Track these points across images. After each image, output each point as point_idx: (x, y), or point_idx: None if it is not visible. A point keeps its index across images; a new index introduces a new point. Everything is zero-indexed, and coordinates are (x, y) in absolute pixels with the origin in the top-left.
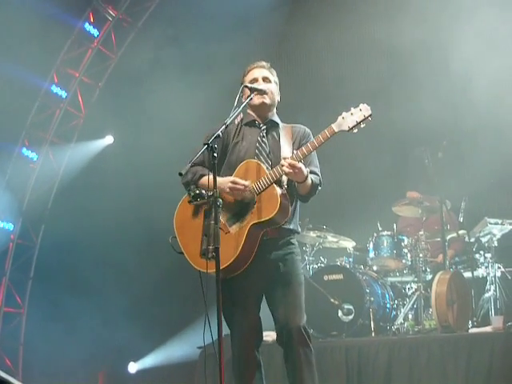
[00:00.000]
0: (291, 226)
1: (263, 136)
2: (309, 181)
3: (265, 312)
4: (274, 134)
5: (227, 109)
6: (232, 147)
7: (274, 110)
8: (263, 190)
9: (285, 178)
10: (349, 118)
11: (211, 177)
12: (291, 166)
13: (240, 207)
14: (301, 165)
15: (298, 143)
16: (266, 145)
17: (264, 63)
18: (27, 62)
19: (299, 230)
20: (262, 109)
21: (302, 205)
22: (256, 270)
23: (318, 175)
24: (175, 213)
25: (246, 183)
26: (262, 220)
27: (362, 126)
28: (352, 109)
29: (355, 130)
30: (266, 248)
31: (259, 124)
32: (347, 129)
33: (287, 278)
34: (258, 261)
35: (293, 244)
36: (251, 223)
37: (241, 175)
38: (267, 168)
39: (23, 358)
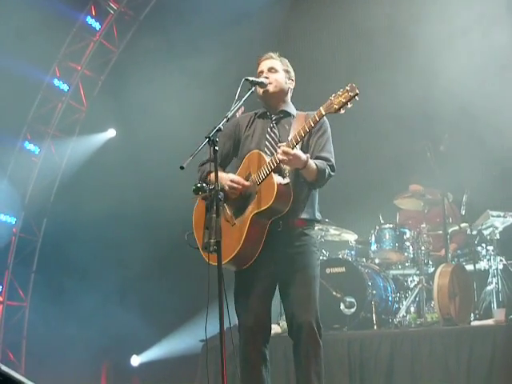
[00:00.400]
0: (305, 216)
1: (273, 126)
2: (311, 167)
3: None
4: (285, 123)
5: (229, 102)
6: (243, 140)
7: (286, 98)
8: (263, 180)
9: (287, 167)
10: (336, 100)
11: (221, 173)
12: (284, 152)
13: (244, 199)
14: (296, 151)
15: (309, 131)
16: (275, 135)
17: (272, 54)
18: (29, 56)
19: (317, 218)
20: (267, 99)
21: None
22: (269, 262)
23: (329, 161)
24: (194, 209)
25: (246, 183)
26: (261, 209)
27: (349, 106)
28: (340, 90)
29: (342, 111)
30: (279, 240)
31: (270, 115)
32: (334, 110)
33: (299, 272)
34: (270, 253)
35: (307, 235)
36: (253, 213)
37: (245, 167)
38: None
39: (26, 351)
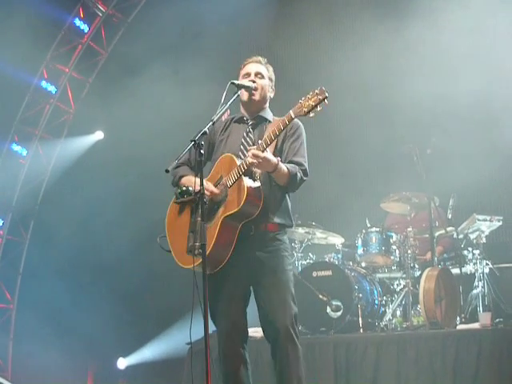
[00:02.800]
0: (277, 220)
1: (249, 131)
2: (282, 170)
3: (253, 307)
4: (262, 129)
5: (216, 105)
6: (218, 145)
7: (266, 105)
8: (234, 183)
9: (258, 170)
10: (306, 103)
11: (191, 177)
12: (254, 155)
13: (216, 202)
14: (266, 154)
15: (283, 135)
16: (251, 140)
17: (260, 58)
18: (17, 58)
19: (290, 223)
20: (250, 105)
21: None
22: (241, 265)
23: (302, 165)
24: (167, 212)
25: (215, 190)
26: (232, 212)
27: (319, 109)
28: (310, 93)
29: (311, 114)
30: (252, 244)
31: (247, 120)
32: (303, 113)
33: (272, 275)
34: (243, 257)
35: (279, 240)
36: (223, 216)
37: (217, 170)
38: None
39: (12, 353)
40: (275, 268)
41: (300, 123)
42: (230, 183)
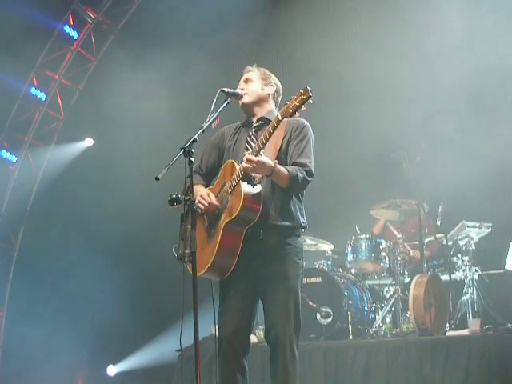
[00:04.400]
0: (286, 223)
1: (252, 134)
2: (281, 173)
3: None
4: (265, 130)
5: (208, 112)
6: (226, 151)
7: (267, 105)
8: (233, 189)
9: (257, 175)
10: (291, 104)
11: (199, 187)
12: (248, 160)
13: (220, 209)
14: (259, 158)
15: (288, 136)
16: (254, 143)
17: (250, 67)
18: (6, 65)
19: (300, 224)
20: (244, 108)
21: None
22: (249, 271)
23: (306, 166)
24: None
25: (214, 201)
26: (231, 218)
27: (303, 108)
28: (295, 94)
29: (297, 114)
30: (260, 249)
31: (251, 123)
32: (289, 114)
33: (278, 283)
34: (251, 262)
35: (289, 244)
36: (224, 222)
37: (222, 177)
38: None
39: (2, 360)
40: (283, 274)
41: (306, 123)
42: (230, 189)
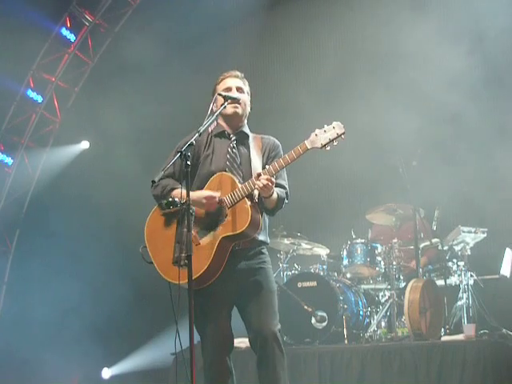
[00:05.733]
0: (262, 238)
1: (233, 147)
2: (275, 195)
3: (236, 319)
4: (244, 145)
5: (203, 116)
6: (203, 160)
7: (245, 121)
8: (235, 204)
9: (256, 192)
10: (322, 135)
11: (183, 189)
12: (270, 181)
13: (210, 220)
14: (273, 179)
15: (267, 155)
16: (236, 156)
17: (238, 73)
18: (3, 67)
19: (268, 241)
20: (233, 119)
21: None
22: (227, 279)
23: (285, 188)
24: (146, 222)
25: (218, 194)
26: (235, 233)
27: (335, 143)
28: (325, 126)
29: (328, 148)
30: (237, 258)
31: (229, 135)
32: (320, 146)
33: (260, 287)
34: (229, 271)
35: (264, 254)
36: (222, 236)
37: (214, 188)
38: (239, 181)
39: None
40: (262, 279)
41: (278, 142)
42: (231, 203)
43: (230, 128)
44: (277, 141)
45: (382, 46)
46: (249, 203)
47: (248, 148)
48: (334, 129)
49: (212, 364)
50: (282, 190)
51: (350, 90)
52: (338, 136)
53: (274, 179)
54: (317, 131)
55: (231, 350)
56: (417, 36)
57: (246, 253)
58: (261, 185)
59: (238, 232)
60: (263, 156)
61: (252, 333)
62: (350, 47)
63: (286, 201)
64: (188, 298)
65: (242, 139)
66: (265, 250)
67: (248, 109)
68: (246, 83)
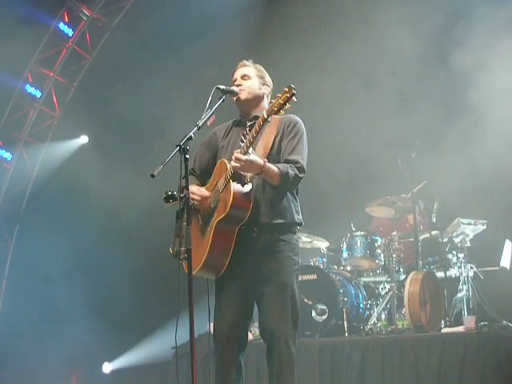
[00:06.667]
0: (280, 220)
1: (246, 133)
2: (271, 171)
3: None
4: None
5: (203, 109)
6: (219, 150)
7: (262, 104)
8: (224, 188)
9: (249, 173)
10: (276, 102)
11: (193, 187)
12: (236, 159)
13: (213, 208)
14: (248, 156)
15: (281, 134)
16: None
17: (246, 61)
18: (1, 62)
19: (296, 221)
20: (240, 106)
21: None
22: (245, 269)
23: (297, 163)
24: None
25: (205, 193)
26: (221, 217)
27: (287, 106)
28: (280, 92)
29: (282, 112)
30: (255, 246)
31: (245, 122)
32: (274, 112)
33: (273, 278)
34: (245, 259)
35: (283, 240)
36: (215, 221)
37: (214, 177)
38: None
39: None
40: (277, 270)
41: (298, 120)
42: (221, 188)
43: (244, 114)
44: (295, 118)
45: (385, 37)
46: (233, 185)
47: (263, 132)
48: (285, 93)
49: (219, 356)
50: (286, 165)
51: (348, 84)
52: (289, 98)
53: (245, 156)
54: (273, 99)
55: (243, 345)
56: None
57: (263, 240)
58: (232, 164)
59: (223, 215)
60: (277, 136)
61: (261, 326)
62: (353, 38)
63: (301, 175)
64: (188, 292)
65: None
66: (286, 236)
67: (259, 91)
68: (259, 67)
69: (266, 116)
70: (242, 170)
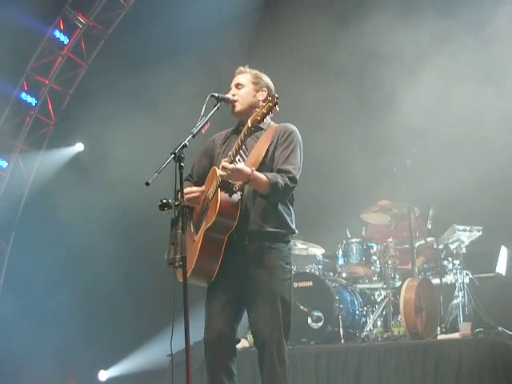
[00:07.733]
0: (271, 229)
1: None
2: (259, 180)
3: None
4: (255, 137)
5: (198, 119)
6: (216, 158)
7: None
8: (212, 196)
9: (238, 183)
10: (260, 111)
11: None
12: (223, 167)
13: (203, 216)
14: (234, 165)
15: (275, 142)
16: (245, 150)
17: (241, 68)
18: None
19: (287, 230)
20: (236, 116)
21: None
22: (235, 277)
23: (289, 173)
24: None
25: (200, 189)
26: (209, 225)
27: (271, 115)
28: (265, 102)
29: (266, 120)
30: (246, 254)
31: (242, 129)
32: (257, 122)
33: (263, 287)
34: (236, 267)
35: (274, 249)
36: (204, 229)
37: (206, 184)
38: None
39: None
40: (267, 279)
41: (293, 129)
42: (210, 196)
43: (242, 123)
44: (290, 127)
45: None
46: (220, 193)
47: (257, 140)
48: (269, 102)
49: (208, 363)
50: (277, 174)
51: (345, 90)
52: (272, 107)
53: (232, 165)
54: (257, 108)
55: (233, 352)
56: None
57: (254, 248)
58: (218, 173)
59: (210, 223)
60: (271, 144)
61: (252, 333)
62: (347, 46)
63: (292, 185)
64: (183, 299)
65: (254, 132)
66: (278, 245)
67: (253, 99)
68: (253, 73)
69: (249, 125)
70: (229, 178)
